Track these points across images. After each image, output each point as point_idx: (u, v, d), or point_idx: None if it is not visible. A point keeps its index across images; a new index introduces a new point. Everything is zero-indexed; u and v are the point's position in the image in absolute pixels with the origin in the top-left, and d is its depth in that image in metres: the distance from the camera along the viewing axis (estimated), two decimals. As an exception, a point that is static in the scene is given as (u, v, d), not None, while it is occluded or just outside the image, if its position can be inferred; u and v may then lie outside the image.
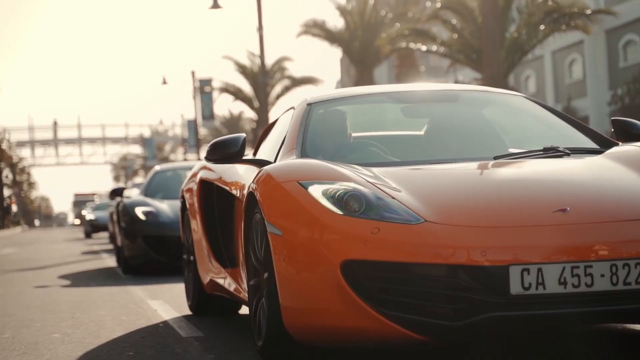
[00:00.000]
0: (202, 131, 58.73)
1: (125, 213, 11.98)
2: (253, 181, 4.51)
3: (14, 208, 73.05)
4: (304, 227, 4.00)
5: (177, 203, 11.39)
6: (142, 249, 11.51)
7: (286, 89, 45.35)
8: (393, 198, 4.01)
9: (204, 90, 48.94)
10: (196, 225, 6.32)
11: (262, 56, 31.56)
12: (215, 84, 48.66)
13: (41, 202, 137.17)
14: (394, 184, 4.20)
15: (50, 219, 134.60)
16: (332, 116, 5.38)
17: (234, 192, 5.53)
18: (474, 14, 25.45)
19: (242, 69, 46.55)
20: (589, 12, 25.31)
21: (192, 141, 54.72)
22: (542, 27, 24.95)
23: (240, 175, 5.47)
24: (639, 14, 39.22)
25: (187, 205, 6.62)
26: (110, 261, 15.43)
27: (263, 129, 6.35)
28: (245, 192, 4.88)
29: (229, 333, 5.68)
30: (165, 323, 6.32)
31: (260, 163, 5.11)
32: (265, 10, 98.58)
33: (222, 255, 5.91)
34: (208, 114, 49.75)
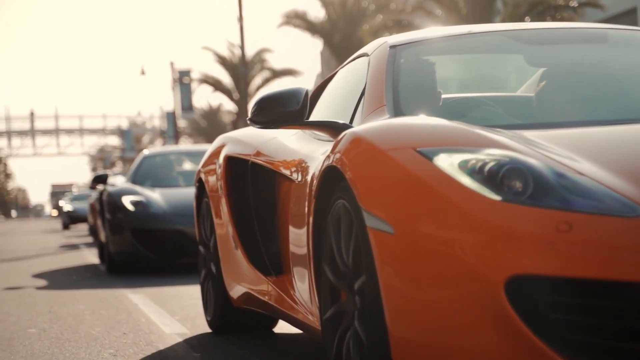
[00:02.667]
0: (181, 123, 58.30)
1: (111, 203, 10.44)
2: (334, 150, 3.08)
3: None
4: (432, 222, 2.57)
5: (171, 192, 10.56)
6: (130, 244, 10.02)
7: (266, 81, 45.06)
8: (581, 174, 2.57)
9: (182, 81, 48.55)
10: (221, 216, 4.77)
11: (242, 47, 31.30)
12: (195, 75, 48.30)
13: (18, 193, 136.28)
14: (568, 152, 2.74)
15: (27, 210, 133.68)
16: (421, 66, 3.87)
17: (282, 170, 4.12)
18: (458, 5, 25.22)
19: (222, 60, 46.20)
20: (574, 4, 25.15)
21: (170, 133, 54.23)
22: (527, 19, 24.77)
23: (294, 146, 4.15)
24: (626, 7, 39.35)
25: (207, 191, 5.02)
26: (90, 254, 15.09)
27: (313, 90, 4.78)
28: (311, 168, 3.59)
29: (215, 329, 5.38)
30: (147, 318, 6.02)
31: (336, 126, 3.68)
32: (246, 1, 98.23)
33: (260, 257, 4.42)
34: (187, 106, 49.36)
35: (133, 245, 9.99)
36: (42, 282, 9.35)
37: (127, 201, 10.27)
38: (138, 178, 11.41)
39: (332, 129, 3.69)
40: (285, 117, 3.73)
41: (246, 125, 35.69)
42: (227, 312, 4.97)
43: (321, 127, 3.74)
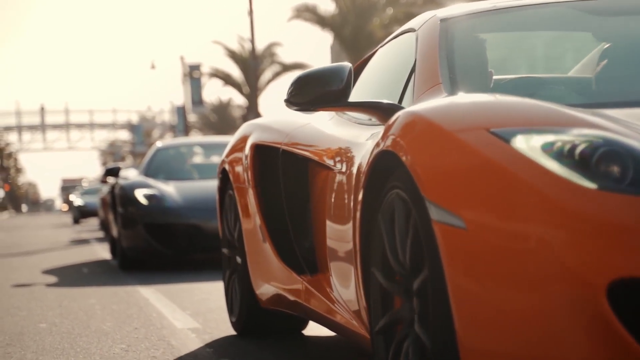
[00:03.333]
0: (191, 117, 58.31)
1: (123, 196, 9.99)
2: (388, 134, 2.67)
3: (1, 193, 72.58)
4: (511, 214, 2.21)
5: (185, 185, 10.20)
6: (143, 238, 9.57)
7: (276, 75, 45.01)
8: None
9: (193, 75, 48.53)
10: (248, 210, 4.32)
11: (252, 40, 31.19)
12: (205, 69, 48.27)
13: (28, 187, 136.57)
14: None
15: (37, 205, 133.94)
16: (474, 42, 3.47)
17: (319, 159, 3.69)
18: (469, -1, 25.12)
19: (232, 54, 46.17)
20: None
21: (180, 127, 54.23)
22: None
23: (332, 132, 3.72)
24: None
25: (232, 182, 4.57)
26: (101, 249, 15.05)
27: (354, 65, 4.18)
28: (356, 156, 3.21)
29: (228, 324, 5.31)
30: (158, 313, 5.96)
31: (385, 107, 3.23)
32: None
33: (292, 254, 4.00)
34: (197, 100, 49.35)
35: (146, 240, 9.56)
36: (53, 277, 9.30)
37: (140, 194, 9.84)
38: (151, 171, 10.98)
39: (380, 110, 3.22)
40: (327, 97, 3.26)
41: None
42: (253, 313, 4.57)
43: (367, 108, 3.28)
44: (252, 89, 39.77)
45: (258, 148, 4.32)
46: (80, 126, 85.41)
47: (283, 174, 4.06)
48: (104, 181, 12.57)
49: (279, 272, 4.05)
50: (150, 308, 6.24)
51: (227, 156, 4.77)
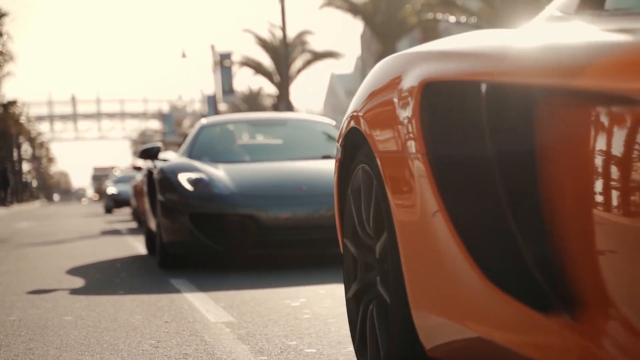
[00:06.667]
0: (222, 107, 58.14)
1: (164, 182, 8.22)
2: None
3: (35, 183, 72.94)
4: None
5: (236, 168, 8.46)
6: (188, 231, 7.88)
7: (307, 63, 44.68)
8: None
9: (223, 64, 48.32)
10: (414, 193, 2.47)
11: (283, 27, 30.89)
12: (235, 58, 48.04)
13: (60, 177, 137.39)
14: None
15: (69, 194, 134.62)
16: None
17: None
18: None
19: (263, 43, 45.91)
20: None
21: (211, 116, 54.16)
22: None
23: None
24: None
25: (372, 149, 2.79)
26: (133, 240, 14.77)
27: None
28: None
29: (265, 317, 4.98)
30: (190, 305, 5.64)
31: None
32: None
33: (515, 269, 2.13)
34: (228, 89, 49.13)
35: (192, 234, 7.88)
36: (82, 267, 9.02)
37: (184, 179, 8.11)
38: (195, 152, 9.16)
39: None
40: None
41: (289, 109, 35.12)
42: None
43: None
44: (283, 78, 39.47)
45: (432, 88, 2.46)
46: (111, 116, 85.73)
47: (491, 128, 2.22)
48: (137, 168, 11.22)
49: (484, 301, 2.18)
50: (182, 300, 5.92)
51: (360, 109, 2.95)
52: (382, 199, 2.72)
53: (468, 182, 2.32)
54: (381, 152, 2.73)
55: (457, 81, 2.40)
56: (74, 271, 8.46)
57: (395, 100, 2.65)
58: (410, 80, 2.58)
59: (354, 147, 3.09)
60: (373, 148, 2.79)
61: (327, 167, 8.22)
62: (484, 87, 2.25)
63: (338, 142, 3.27)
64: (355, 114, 3.02)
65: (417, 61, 2.66)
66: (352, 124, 3.05)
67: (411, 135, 2.50)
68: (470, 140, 2.30)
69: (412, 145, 2.49)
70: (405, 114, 2.55)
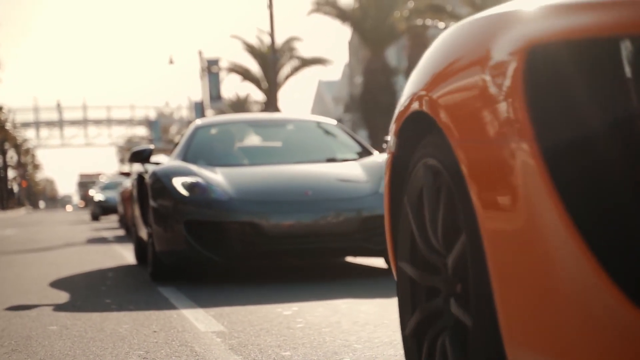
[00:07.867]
0: (209, 113, 57.98)
1: (158, 186, 7.57)
2: None
3: (16, 188, 72.53)
4: None
5: (235, 172, 7.83)
6: (183, 240, 7.24)
7: (295, 70, 44.54)
8: None
9: (211, 70, 48.18)
10: (515, 191, 1.81)
11: (272, 34, 30.75)
12: (223, 64, 47.93)
13: (46, 184, 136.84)
14: None
15: (55, 201, 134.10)
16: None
17: None
18: (493, -11, 24.56)
19: (251, 49, 45.75)
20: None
21: (198, 123, 53.96)
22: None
23: None
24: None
25: (449, 137, 2.14)
26: (119, 247, 14.59)
27: None
28: None
29: (256, 327, 4.82)
30: (179, 314, 5.47)
31: None
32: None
33: None
34: (215, 95, 48.98)
35: (187, 243, 7.24)
36: (68, 276, 8.84)
37: (178, 183, 7.48)
38: (190, 155, 8.47)
39: None
40: None
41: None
42: None
43: None
44: (270, 84, 39.31)
45: (542, 52, 1.78)
46: (97, 122, 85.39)
47: (635, 104, 1.61)
48: (124, 174, 10.81)
49: (631, 339, 1.59)
50: (171, 308, 5.75)
51: (428, 87, 2.33)
52: (462, 202, 2.11)
53: (599, 179, 1.66)
54: (462, 141, 2.07)
55: (579, 40, 1.71)
56: (60, 280, 8.27)
57: (484, 72, 1.99)
58: (506, 45, 1.92)
59: (407, 137, 2.55)
60: (449, 136, 2.13)
61: (333, 171, 7.75)
62: (626, 45, 1.60)
63: (391, 131, 2.67)
64: (421, 93, 2.36)
65: (512, 20, 1.98)
66: (416, 106, 2.39)
67: (511, 116, 1.84)
68: (599, 121, 1.65)
69: (513, 131, 1.82)
70: (501, 89, 1.90)
